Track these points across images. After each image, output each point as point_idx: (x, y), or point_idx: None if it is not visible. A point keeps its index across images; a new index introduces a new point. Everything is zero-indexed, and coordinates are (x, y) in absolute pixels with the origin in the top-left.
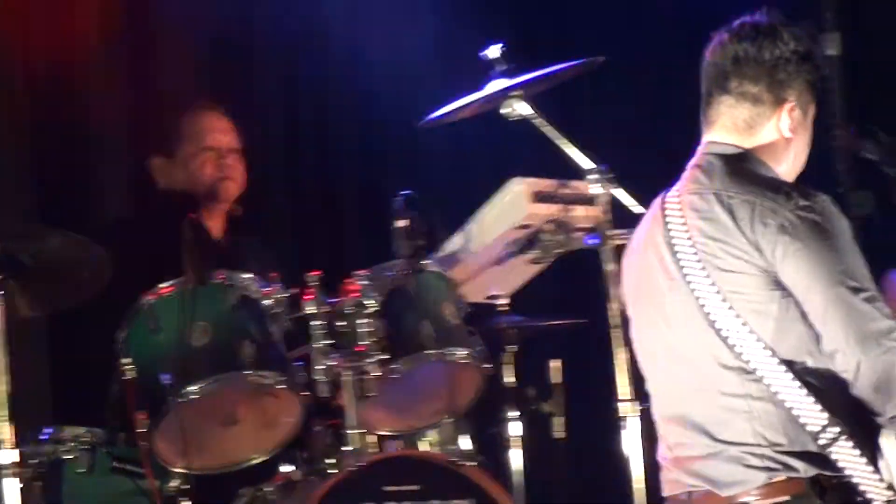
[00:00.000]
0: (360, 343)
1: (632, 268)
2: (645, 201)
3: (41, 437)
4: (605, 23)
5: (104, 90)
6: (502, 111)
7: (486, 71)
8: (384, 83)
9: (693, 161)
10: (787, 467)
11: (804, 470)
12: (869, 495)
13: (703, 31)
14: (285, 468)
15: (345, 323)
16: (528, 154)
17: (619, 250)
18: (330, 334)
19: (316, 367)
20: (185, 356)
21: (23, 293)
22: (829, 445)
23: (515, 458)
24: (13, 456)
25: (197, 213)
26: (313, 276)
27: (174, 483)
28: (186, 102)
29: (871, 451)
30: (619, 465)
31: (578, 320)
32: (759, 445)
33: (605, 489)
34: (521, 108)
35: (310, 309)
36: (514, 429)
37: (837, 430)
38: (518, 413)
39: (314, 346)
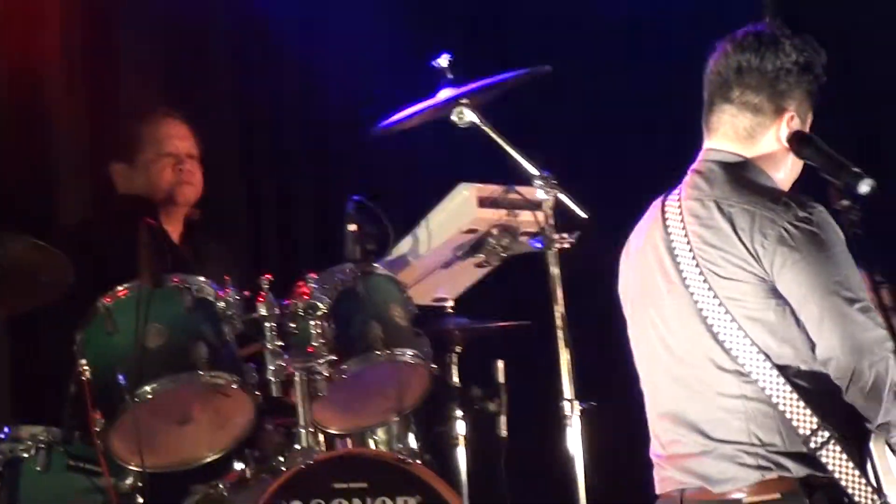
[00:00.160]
0: (310, 344)
1: (630, 269)
2: (589, 206)
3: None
4: (552, 32)
5: (65, 98)
6: (452, 118)
7: (437, 80)
8: (337, 91)
9: (694, 166)
10: (780, 467)
11: (796, 470)
12: (856, 498)
13: (645, 42)
14: (238, 466)
15: (296, 325)
16: (476, 160)
17: (563, 253)
18: (281, 336)
19: (268, 368)
20: (141, 357)
21: None
22: (819, 449)
23: (461, 456)
24: None
25: (156, 217)
26: (266, 279)
27: (129, 481)
28: (145, 109)
29: (860, 456)
30: (563, 463)
31: (522, 322)
32: (753, 445)
33: (548, 486)
34: (469, 116)
35: (262, 311)
36: (460, 427)
37: (827, 434)
38: (463, 412)
39: (266, 347)
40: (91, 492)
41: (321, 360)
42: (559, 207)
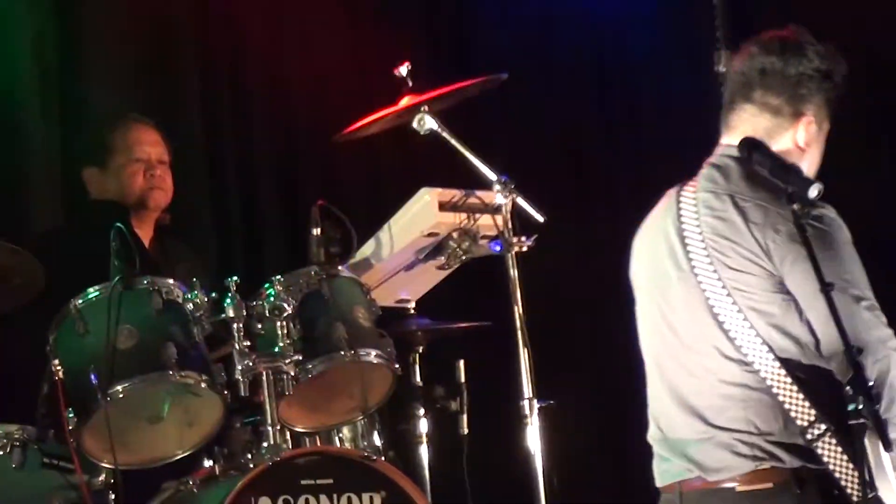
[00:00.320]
0: (277, 344)
1: (641, 254)
2: (546, 209)
3: None
4: (513, 40)
5: (38, 103)
6: (413, 125)
7: (399, 87)
8: (302, 97)
9: (710, 160)
10: (774, 457)
11: (789, 461)
12: (848, 491)
13: (605, 51)
14: (207, 463)
15: (262, 325)
16: (437, 165)
17: (521, 256)
18: (248, 336)
19: (236, 367)
20: (113, 358)
21: None
22: (815, 441)
23: (424, 454)
24: None
25: (127, 221)
26: (233, 281)
27: (102, 478)
28: (116, 115)
29: (855, 450)
30: (522, 460)
31: (483, 323)
32: (750, 433)
33: (508, 483)
34: (429, 123)
35: (230, 312)
36: (423, 426)
37: (824, 426)
38: (425, 411)
39: (234, 347)
40: (65, 488)
41: (287, 360)
42: (516, 211)
